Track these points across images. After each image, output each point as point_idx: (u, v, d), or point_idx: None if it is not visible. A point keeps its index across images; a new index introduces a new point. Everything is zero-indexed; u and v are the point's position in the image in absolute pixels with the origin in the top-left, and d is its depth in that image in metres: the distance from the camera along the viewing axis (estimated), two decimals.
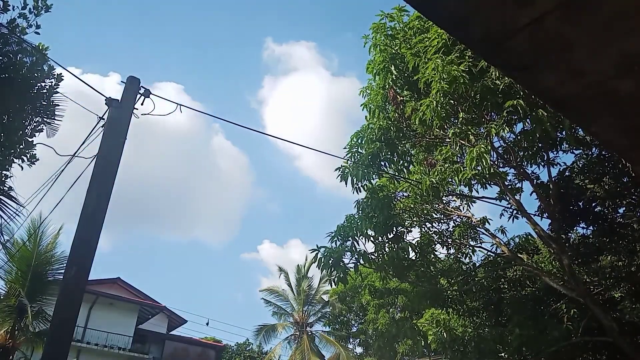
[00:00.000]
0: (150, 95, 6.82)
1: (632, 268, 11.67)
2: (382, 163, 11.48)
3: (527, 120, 8.87)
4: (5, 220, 8.70)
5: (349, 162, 11.09)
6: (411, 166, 11.78)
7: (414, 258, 12.27)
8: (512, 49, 1.96)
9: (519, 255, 13.03)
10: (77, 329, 22.13)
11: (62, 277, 12.35)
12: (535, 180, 11.68)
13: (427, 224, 12.74)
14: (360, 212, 11.13)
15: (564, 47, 1.92)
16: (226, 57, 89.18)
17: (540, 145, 10.44)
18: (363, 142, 11.10)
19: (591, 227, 12.60)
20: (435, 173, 9.36)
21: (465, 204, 12.76)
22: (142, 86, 6.76)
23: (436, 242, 12.73)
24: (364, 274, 23.26)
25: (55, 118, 8.25)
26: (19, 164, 8.24)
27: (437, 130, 9.69)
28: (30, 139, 8.15)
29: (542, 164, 11.26)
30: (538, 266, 12.84)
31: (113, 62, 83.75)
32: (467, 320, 14.21)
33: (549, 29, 1.83)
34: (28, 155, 8.24)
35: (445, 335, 14.03)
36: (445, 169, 9.24)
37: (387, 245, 11.41)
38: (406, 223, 12.10)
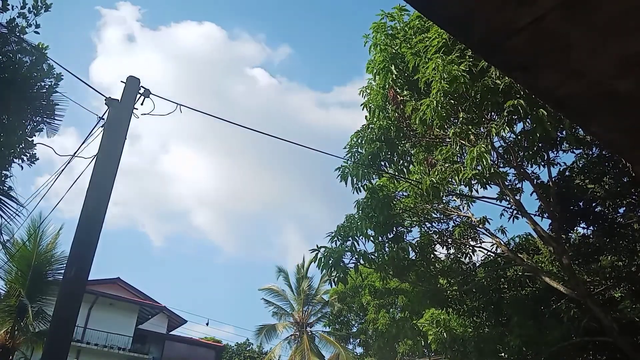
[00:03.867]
0: (150, 95, 6.81)
1: (632, 268, 11.67)
2: (382, 163, 11.48)
3: (528, 120, 8.86)
4: (6, 220, 8.69)
5: (349, 161, 11.09)
6: (411, 166, 11.77)
7: (414, 258, 12.26)
8: (512, 49, 1.95)
9: (519, 255, 13.03)
10: (77, 329, 22.14)
11: (62, 277, 12.34)
12: (535, 180, 11.67)
13: (427, 224, 12.74)
14: (360, 212, 11.13)
15: (564, 47, 1.91)
16: None
17: (540, 145, 10.43)
18: (363, 141, 11.10)
19: (591, 227, 12.60)
20: (436, 173, 9.35)
21: (465, 204, 12.76)
22: (141, 86, 6.76)
23: (436, 242, 12.73)
24: (364, 274, 23.23)
25: (55, 118, 8.25)
26: (18, 164, 8.23)
27: (437, 130, 9.68)
28: (30, 139, 8.14)
29: (542, 164, 11.25)
30: (538, 266, 12.83)
31: None
32: (467, 320, 14.20)
33: (549, 29, 1.83)
34: (28, 155, 8.24)
35: (445, 335, 14.02)
36: (445, 169, 9.23)
37: (387, 245, 11.40)
38: (406, 223, 12.10)
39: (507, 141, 10.22)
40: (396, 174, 11.74)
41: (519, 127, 9.61)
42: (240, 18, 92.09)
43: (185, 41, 78.69)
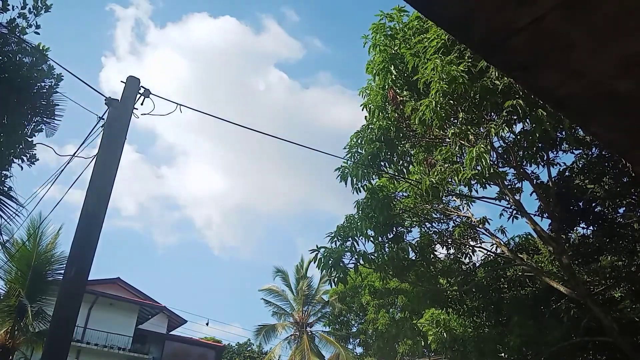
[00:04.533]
0: (150, 95, 6.81)
1: (632, 268, 11.68)
2: (382, 163, 11.48)
3: (527, 120, 8.87)
4: (5, 220, 8.69)
5: (348, 162, 11.09)
6: (411, 166, 11.78)
7: (414, 258, 12.27)
8: (512, 49, 1.95)
9: (519, 255, 13.03)
10: (77, 329, 22.12)
11: (62, 277, 12.33)
12: (535, 180, 11.68)
13: (427, 224, 12.74)
14: (360, 212, 11.13)
15: (564, 47, 1.91)
16: None
17: (540, 145, 10.43)
18: (363, 142, 11.10)
19: (591, 227, 12.60)
20: (435, 173, 9.35)
21: (465, 204, 12.76)
22: (142, 86, 6.75)
23: (436, 242, 12.73)
24: (364, 274, 23.24)
25: (55, 118, 8.24)
26: (18, 164, 8.23)
27: (437, 130, 9.69)
28: (30, 139, 8.14)
29: (542, 164, 11.26)
30: (538, 266, 12.84)
31: None
32: (467, 320, 14.21)
33: (549, 29, 1.83)
34: (28, 155, 8.23)
35: (445, 335, 14.03)
36: (445, 169, 9.23)
37: (387, 245, 11.40)
38: (406, 223, 12.10)
39: (506, 141, 10.22)
40: (396, 174, 11.74)
41: (518, 127, 9.63)
42: (266, 7, 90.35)
43: (204, 36, 77.60)
